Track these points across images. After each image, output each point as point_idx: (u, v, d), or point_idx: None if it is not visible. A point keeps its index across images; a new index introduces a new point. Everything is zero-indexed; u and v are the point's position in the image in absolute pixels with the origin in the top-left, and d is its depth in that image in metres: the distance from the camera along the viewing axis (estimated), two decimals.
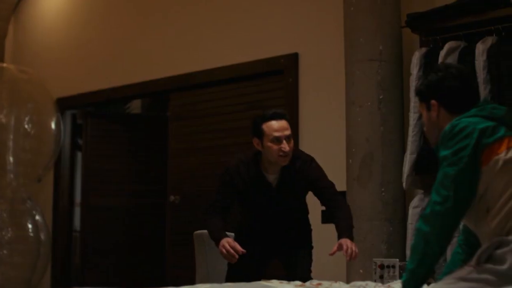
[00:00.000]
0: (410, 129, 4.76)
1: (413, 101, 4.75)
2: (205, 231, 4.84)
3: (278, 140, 3.84)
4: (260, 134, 3.90)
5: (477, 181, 2.44)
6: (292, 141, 3.92)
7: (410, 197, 4.94)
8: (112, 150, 7.82)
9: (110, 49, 7.48)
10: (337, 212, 3.94)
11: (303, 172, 3.97)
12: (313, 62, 5.87)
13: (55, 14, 8.07)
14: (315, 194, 4.09)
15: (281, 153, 3.85)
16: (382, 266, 4.13)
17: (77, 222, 8.01)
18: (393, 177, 4.89)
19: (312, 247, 4.26)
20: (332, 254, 3.66)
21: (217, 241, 3.88)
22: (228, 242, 3.78)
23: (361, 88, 4.98)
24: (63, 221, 7.74)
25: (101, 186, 7.72)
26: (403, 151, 4.88)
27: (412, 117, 4.76)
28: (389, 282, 3.17)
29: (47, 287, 7.33)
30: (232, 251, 3.74)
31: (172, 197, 6.81)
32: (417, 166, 4.72)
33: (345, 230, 3.81)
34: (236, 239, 4.23)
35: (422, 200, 4.73)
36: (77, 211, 8.02)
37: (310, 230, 4.31)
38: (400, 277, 3.85)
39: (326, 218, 5.19)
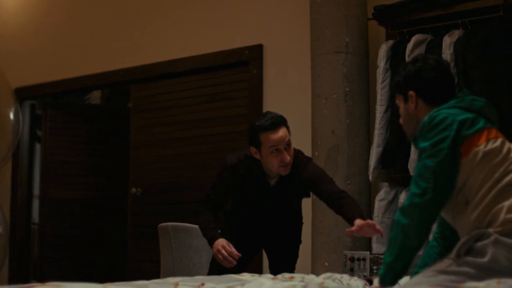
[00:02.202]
0: (377, 121, 4.76)
1: (380, 94, 4.75)
2: (170, 223, 4.80)
3: (277, 151, 3.63)
4: (257, 144, 3.68)
5: (456, 173, 2.42)
6: (291, 147, 3.71)
7: (376, 190, 4.95)
8: (72, 141, 7.70)
9: (70, 38, 7.35)
10: (343, 206, 3.62)
11: (300, 174, 3.77)
12: (278, 54, 5.83)
13: (13, 3, 7.90)
14: (317, 196, 3.87)
15: (281, 164, 3.66)
16: (352, 259, 4.12)
17: (35, 215, 7.87)
18: (358, 170, 4.89)
19: (300, 242, 4.15)
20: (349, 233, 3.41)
21: (210, 241, 3.75)
22: (224, 247, 3.64)
23: (327, 81, 4.96)
24: (21, 213, 7.60)
25: (60, 178, 7.60)
26: (369, 143, 4.89)
27: (379, 110, 4.76)
28: (359, 274, 3.15)
29: (5, 281, 7.20)
30: (230, 258, 3.61)
31: (133, 189, 6.73)
32: (383, 159, 4.72)
33: (356, 213, 3.48)
34: (224, 229, 4.13)
35: (388, 193, 4.75)
36: (36, 204, 7.88)
37: (301, 224, 4.17)
38: (371, 271, 3.86)
39: None
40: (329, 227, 4.81)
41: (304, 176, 3.76)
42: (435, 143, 2.43)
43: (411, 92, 2.67)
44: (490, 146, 2.42)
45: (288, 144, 3.67)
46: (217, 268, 3.83)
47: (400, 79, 2.72)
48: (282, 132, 3.64)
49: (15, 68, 7.43)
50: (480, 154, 2.40)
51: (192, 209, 4.15)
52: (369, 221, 3.34)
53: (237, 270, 3.59)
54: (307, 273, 3.57)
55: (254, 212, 3.99)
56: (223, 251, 3.62)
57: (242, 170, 3.81)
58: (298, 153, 3.84)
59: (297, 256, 4.14)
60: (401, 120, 2.77)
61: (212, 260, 4.01)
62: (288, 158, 3.64)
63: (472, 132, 2.43)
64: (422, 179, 2.43)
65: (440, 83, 2.65)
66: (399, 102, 2.75)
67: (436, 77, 2.64)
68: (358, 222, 3.34)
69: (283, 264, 4.00)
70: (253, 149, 3.72)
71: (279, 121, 3.66)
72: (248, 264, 4.05)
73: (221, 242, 3.68)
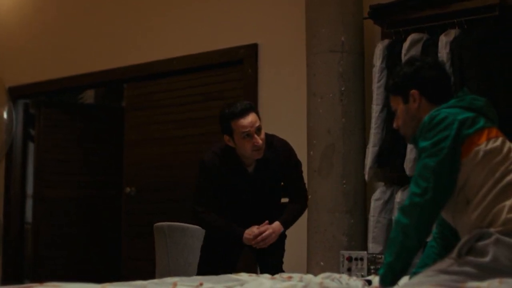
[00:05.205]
0: (372, 121, 4.75)
1: (376, 93, 4.74)
2: (166, 223, 4.78)
3: (249, 136, 3.75)
4: (229, 131, 3.80)
5: (457, 172, 2.41)
6: (262, 131, 3.84)
7: (371, 189, 4.94)
8: (65, 140, 7.68)
9: (64, 37, 7.32)
10: (291, 204, 4.07)
11: (280, 155, 3.96)
12: (273, 53, 5.82)
13: (6, 1, 7.86)
14: (283, 181, 4.10)
15: (254, 148, 3.78)
16: (350, 259, 4.11)
17: (29, 214, 7.84)
18: (354, 169, 4.87)
19: (285, 236, 4.17)
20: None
21: (238, 237, 3.89)
22: (257, 236, 3.85)
23: (322, 79, 4.95)
24: (15, 212, 7.57)
25: (54, 177, 7.58)
26: (365, 143, 4.88)
27: (374, 109, 4.75)
28: (357, 274, 3.14)
29: None
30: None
31: (128, 189, 6.70)
32: (379, 158, 4.72)
33: (283, 218, 3.96)
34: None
35: (384, 193, 4.74)
36: (29, 203, 7.85)
37: None
38: (368, 270, 3.85)
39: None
40: (324, 226, 4.80)
41: (284, 155, 4.00)
42: (436, 142, 2.42)
43: (413, 91, 2.65)
44: (491, 145, 2.42)
45: (259, 128, 3.81)
46: (208, 269, 3.86)
47: (398, 80, 2.70)
48: (251, 117, 3.79)
49: (8, 67, 7.40)
50: (481, 154, 2.40)
51: (186, 208, 4.14)
52: (261, 236, 3.84)
53: (226, 269, 3.61)
54: (303, 273, 3.58)
55: (238, 206, 4.04)
56: (259, 239, 3.84)
57: (219, 162, 3.92)
58: (273, 136, 4.03)
59: (283, 251, 4.17)
60: (396, 124, 2.75)
61: (201, 261, 4.05)
62: (260, 142, 3.78)
63: (473, 131, 2.43)
64: (422, 178, 2.42)
65: (441, 81, 2.65)
66: (397, 104, 2.72)
67: (437, 75, 2.65)
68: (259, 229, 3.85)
69: (271, 259, 4.04)
70: (226, 137, 3.85)
71: (248, 107, 3.82)
72: (237, 263, 4.07)
73: (252, 233, 3.86)
